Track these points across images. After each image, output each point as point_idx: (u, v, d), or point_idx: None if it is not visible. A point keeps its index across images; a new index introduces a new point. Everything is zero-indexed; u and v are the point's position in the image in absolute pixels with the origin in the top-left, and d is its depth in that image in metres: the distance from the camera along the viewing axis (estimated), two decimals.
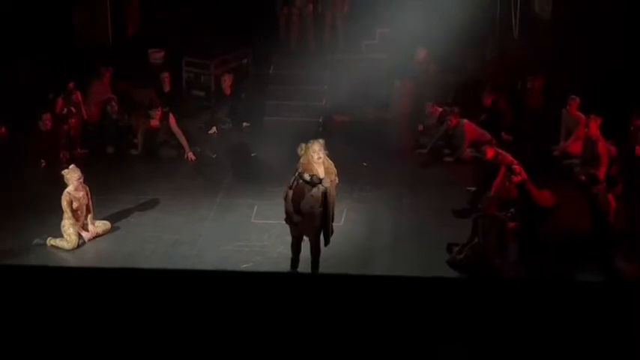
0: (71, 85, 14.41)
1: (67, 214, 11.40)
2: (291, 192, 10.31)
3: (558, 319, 5.02)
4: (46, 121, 13.54)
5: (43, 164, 13.43)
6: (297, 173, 10.29)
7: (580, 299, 5.37)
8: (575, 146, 13.45)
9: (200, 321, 4.83)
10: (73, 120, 14.01)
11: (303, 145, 10.33)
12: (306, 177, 10.20)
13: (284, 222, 10.59)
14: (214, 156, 14.09)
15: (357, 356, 4.92)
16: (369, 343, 4.73)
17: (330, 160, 10.38)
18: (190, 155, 13.94)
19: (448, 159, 13.91)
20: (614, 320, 5.04)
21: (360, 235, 11.78)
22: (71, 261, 11.18)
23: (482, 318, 4.99)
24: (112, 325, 4.90)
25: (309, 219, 10.33)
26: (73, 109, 14.09)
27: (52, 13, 16.03)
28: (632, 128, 13.21)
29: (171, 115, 14.10)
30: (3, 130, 13.57)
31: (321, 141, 10.37)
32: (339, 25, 16.17)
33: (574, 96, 13.79)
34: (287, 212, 10.42)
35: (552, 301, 5.32)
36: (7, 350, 4.84)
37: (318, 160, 10.23)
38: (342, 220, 11.90)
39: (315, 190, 10.21)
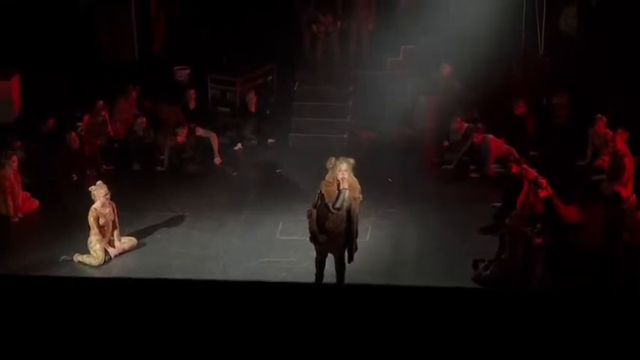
0: (101, 103, 14.51)
1: (94, 230, 11.46)
2: (315, 211, 10.25)
3: (583, 333, 5.00)
4: (74, 139, 13.63)
5: (75, 178, 13.50)
6: (320, 192, 10.24)
7: (606, 315, 5.33)
8: (603, 161, 13.37)
9: (223, 331, 4.85)
10: (99, 137, 14.10)
11: (333, 159, 10.21)
12: (329, 205, 10.09)
13: (309, 240, 10.56)
14: (234, 174, 14.13)
15: None
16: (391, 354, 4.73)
17: (354, 177, 10.29)
18: (217, 160, 14.22)
19: (474, 175, 13.88)
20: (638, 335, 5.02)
21: (385, 251, 11.76)
22: (98, 277, 11.22)
23: (506, 331, 4.98)
24: (135, 336, 4.92)
25: (333, 237, 10.28)
26: (98, 125, 14.16)
27: (77, 31, 16.18)
28: None
29: (197, 128, 14.25)
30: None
31: (351, 161, 10.21)
32: (365, 41, 16.20)
33: (600, 115, 13.72)
34: (311, 232, 10.35)
35: (578, 315, 5.29)
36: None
37: (341, 179, 10.10)
38: (367, 236, 11.89)
39: None
